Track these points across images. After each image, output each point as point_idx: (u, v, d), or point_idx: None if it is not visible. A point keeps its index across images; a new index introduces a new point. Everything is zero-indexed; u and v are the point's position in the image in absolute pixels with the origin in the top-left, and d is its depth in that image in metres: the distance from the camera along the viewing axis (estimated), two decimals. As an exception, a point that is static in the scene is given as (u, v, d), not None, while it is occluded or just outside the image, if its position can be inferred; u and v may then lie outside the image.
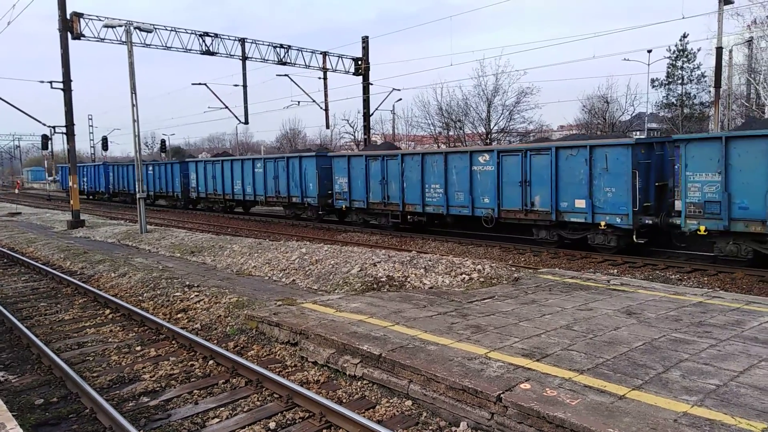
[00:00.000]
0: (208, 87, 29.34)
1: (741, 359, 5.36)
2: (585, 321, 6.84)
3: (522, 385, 4.78)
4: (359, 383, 5.70)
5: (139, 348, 7.25)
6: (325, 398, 5.24)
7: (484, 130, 40.05)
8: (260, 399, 5.56)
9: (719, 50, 22.27)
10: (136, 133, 19.08)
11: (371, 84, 31.58)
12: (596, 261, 14.80)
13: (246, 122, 29.44)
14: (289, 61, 29.21)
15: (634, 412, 4.24)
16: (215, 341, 7.32)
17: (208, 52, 26.71)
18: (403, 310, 7.50)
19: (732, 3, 23.79)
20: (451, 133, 42.88)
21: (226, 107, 29.51)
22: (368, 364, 5.77)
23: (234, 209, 31.26)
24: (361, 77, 31.52)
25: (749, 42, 35.22)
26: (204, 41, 26.54)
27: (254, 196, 27.64)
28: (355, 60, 31.37)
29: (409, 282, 9.39)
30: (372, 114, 32.57)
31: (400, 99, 58.41)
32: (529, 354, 5.61)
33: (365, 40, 31.16)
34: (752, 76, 35.04)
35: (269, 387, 5.70)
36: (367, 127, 32.32)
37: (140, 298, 9.89)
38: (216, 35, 26.91)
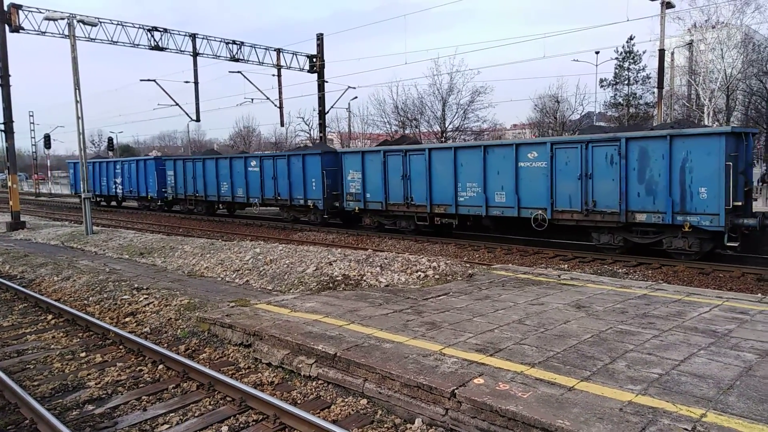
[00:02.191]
0: (157, 83, 28.53)
1: (682, 348, 5.60)
2: (537, 315, 6.99)
3: (475, 380, 4.84)
4: (314, 383, 5.65)
5: (83, 354, 6.96)
6: (280, 400, 5.17)
7: (439, 129, 40.45)
8: (212, 403, 5.43)
9: (662, 52, 23.21)
10: (81, 131, 18.33)
11: (326, 82, 31.41)
12: (548, 257, 15.16)
13: (198, 120, 28.77)
14: (242, 57, 28.71)
15: (583, 402, 4.35)
16: (165, 345, 7.11)
17: (157, 48, 25.94)
18: (358, 308, 7.48)
19: (673, 7, 24.82)
20: (407, 131, 43.10)
21: (177, 104, 28.77)
22: (323, 363, 5.72)
23: (218, 212, 28.96)
24: (316, 75, 31.29)
25: (690, 45, 36.84)
26: (153, 36, 25.76)
27: (246, 198, 25.22)
28: (310, 57, 31.11)
29: (365, 280, 9.37)
30: (328, 112, 32.41)
31: (356, 97, 58.33)
32: (482, 349, 5.69)
33: (320, 38, 30.94)
34: (692, 77, 36.65)
35: (222, 390, 5.57)
36: (322, 125, 32.12)
37: (85, 302, 9.51)
38: (165, 30, 26.16)
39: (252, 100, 31.83)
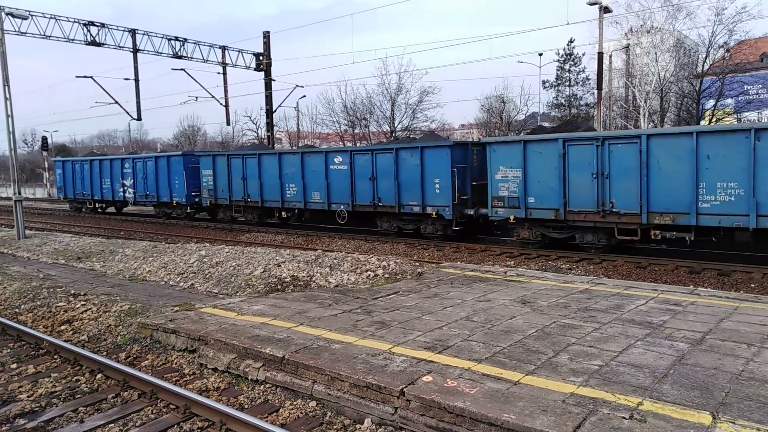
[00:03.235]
0: (95, 80, 27.34)
1: (620, 340, 5.82)
2: (484, 312, 7.11)
3: (424, 378, 4.87)
4: (262, 387, 5.55)
5: (14, 366, 6.57)
6: (226, 405, 5.04)
7: (389, 129, 40.63)
8: (155, 411, 5.24)
9: (600, 55, 24.12)
10: (11, 130, 17.34)
11: (273, 80, 30.96)
12: (495, 254, 15.49)
13: (139, 119, 27.73)
14: (185, 55, 27.88)
15: (527, 396, 4.45)
16: (104, 353, 6.81)
17: (94, 43, 24.85)
18: (307, 310, 7.40)
19: (611, 12, 25.84)
20: (356, 131, 43.10)
21: (117, 102, 27.65)
22: (271, 367, 5.62)
23: (275, 221, 23.91)
24: (262, 73, 30.78)
25: (626, 48, 38.46)
26: (89, 31, 24.66)
27: (327, 204, 20.05)
28: (257, 55, 30.57)
29: (314, 281, 9.29)
30: (275, 111, 31.95)
31: (304, 96, 57.79)
32: (431, 347, 5.73)
33: (266, 36, 30.47)
34: (629, 79, 38.27)
35: (165, 398, 5.39)
36: (270, 124, 31.65)
37: (17, 310, 8.99)
38: (103, 25, 25.09)
39: (196, 98, 30.99)
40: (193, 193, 24.97)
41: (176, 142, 68.17)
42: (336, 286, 9.05)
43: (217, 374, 5.96)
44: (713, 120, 34.72)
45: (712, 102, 34.54)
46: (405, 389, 4.65)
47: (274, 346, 5.85)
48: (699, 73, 34.24)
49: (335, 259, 10.57)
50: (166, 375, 6.00)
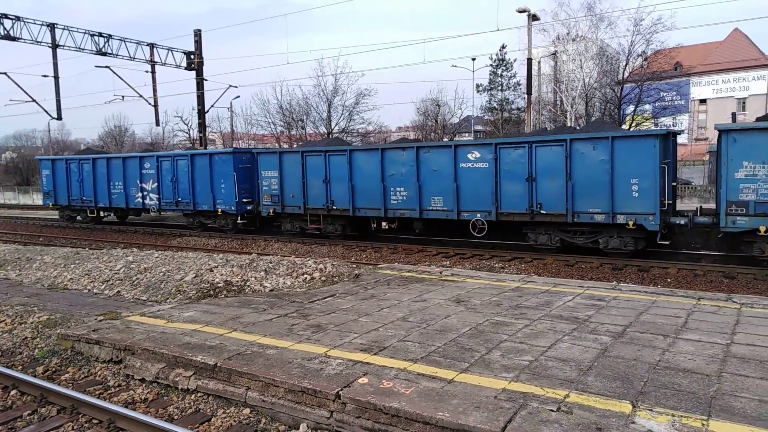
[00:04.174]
0: (9, 77, 25.59)
1: (549, 335, 6.05)
2: (420, 312, 7.19)
3: (360, 380, 4.86)
4: (193, 397, 5.35)
5: None
6: (154, 417, 4.83)
7: (325, 130, 40.41)
8: (76, 427, 4.94)
9: (529, 61, 25.01)
10: None
11: (206, 80, 30.10)
12: (431, 254, 15.72)
13: (59, 118, 26.23)
14: (110, 51, 26.63)
15: (461, 393, 4.53)
16: (19, 367, 6.37)
17: (8, 37, 23.29)
18: (241, 315, 7.22)
19: (539, 20, 26.86)
20: (293, 132, 42.59)
21: (34, 101, 26.04)
22: (203, 375, 5.44)
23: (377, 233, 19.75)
24: (194, 72, 29.86)
25: (554, 55, 40.11)
26: (2, 24, 23.06)
27: (457, 212, 15.93)
28: (188, 54, 29.62)
29: (248, 286, 9.08)
30: (208, 111, 31.06)
31: (238, 96, 56.73)
32: (367, 348, 5.73)
33: (198, 34, 29.58)
34: (557, 85, 39.93)
35: (87, 412, 5.10)
36: (202, 125, 30.73)
37: None
38: (18, 18, 23.54)
39: (123, 97, 29.61)
40: (244, 200, 20.26)
41: (101, 143, 64.92)
42: (271, 290, 8.89)
43: (144, 385, 5.70)
44: (633, 124, 36.82)
45: (632, 107, 36.63)
46: (341, 392, 4.62)
47: (206, 353, 5.67)
48: (620, 80, 36.22)
49: (270, 262, 10.38)
50: (89, 388, 5.68)
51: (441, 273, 10.03)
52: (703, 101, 58.55)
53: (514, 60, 48.51)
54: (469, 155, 15.52)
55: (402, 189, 16.74)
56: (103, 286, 9.78)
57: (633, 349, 5.54)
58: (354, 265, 11.32)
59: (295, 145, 38.58)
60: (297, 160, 18.81)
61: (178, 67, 29.54)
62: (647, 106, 38.79)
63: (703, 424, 3.89)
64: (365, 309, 7.41)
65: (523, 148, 14.67)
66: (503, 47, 47.97)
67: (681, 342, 5.73)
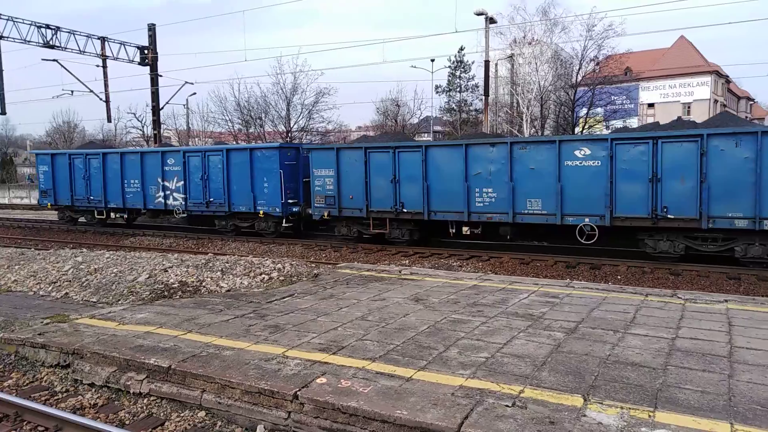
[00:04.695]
0: (-53, 68, 24.21)
1: (505, 332, 6.16)
2: (378, 311, 7.21)
3: (318, 380, 4.83)
4: (146, 401, 5.21)
5: None
6: (104, 423, 4.68)
7: (284, 129, 40.01)
8: (20, 436, 4.74)
9: (487, 63, 25.41)
10: None
11: (160, 76, 29.32)
12: (390, 253, 15.78)
13: (3, 113, 25.03)
14: (58, 44, 25.60)
15: (419, 391, 4.57)
16: (-42, 374, 6.05)
17: (-53, 26, 22.08)
18: (197, 316, 7.07)
19: (496, 23, 27.34)
20: (251, 130, 41.98)
21: (-25, 94, 24.71)
22: (156, 378, 5.30)
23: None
24: (148, 68, 29.03)
25: (511, 58, 40.89)
26: (-61, 12, 21.85)
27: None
28: (141, 49, 28.78)
29: (204, 286, 8.90)
30: (162, 108, 30.26)
31: (195, 93, 55.49)
32: (326, 348, 5.71)
33: (152, 28, 28.78)
34: (513, 87, 40.74)
35: (32, 419, 4.89)
36: (157, 122, 29.92)
37: None
38: (-43, 6, 22.34)
39: (72, 92, 28.56)
40: (290, 201, 18.03)
41: (49, 140, 62.37)
42: (228, 290, 8.74)
43: (94, 390, 5.51)
44: (586, 126, 37.94)
45: (585, 110, 37.73)
46: (298, 393, 4.59)
47: (159, 355, 5.52)
48: (573, 84, 37.24)
49: (227, 262, 10.21)
50: (34, 394, 5.45)
51: (400, 272, 10.09)
52: (651, 105, 60.89)
53: (472, 62, 49.28)
54: (576, 152, 13.71)
55: (490, 190, 14.74)
56: (50, 288, 9.40)
57: (585, 344, 5.71)
58: (313, 265, 11.26)
59: (253, 143, 38.05)
60: (359, 157, 16.48)
61: (131, 62, 28.67)
62: (599, 109, 40.06)
63: (649, 416, 4.04)
64: (324, 308, 7.38)
65: (646, 144, 12.86)
66: (461, 49, 48.64)
67: (630, 337, 5.95)
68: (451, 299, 7.83)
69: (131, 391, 5.32)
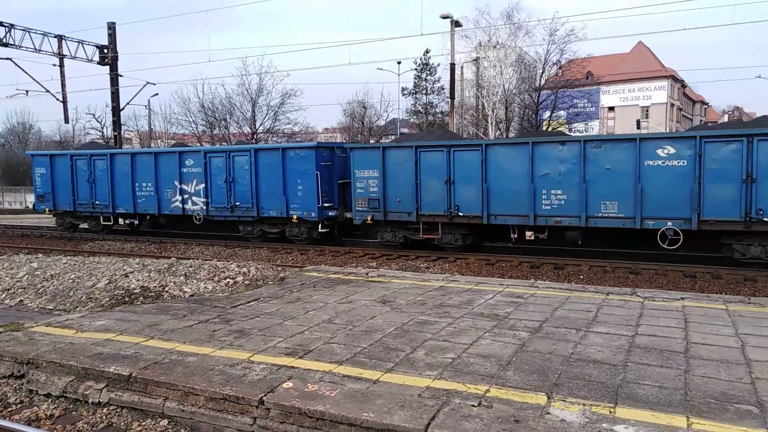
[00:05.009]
0: None
1: (471, 333, 6.23)
2: (345, 313, 7.19)
3: (284, 385, 4.78)
4: (105, 410, 5.06)
5: None
6: (61, 434, 4.52)
7: (249, 130, 39.55)
8: (-29, 450, 4.54)
9: (452, 66, 25.68)
10: None
11: (121, 75, 28.59)
12: (358, 255, 15.76)
13: (-48, 112, 23.96)
14: (12, 42, 24.67)
15: (386, 393, 4.57)
16: None
17: None
18: (159, 322, 6.91)
19: (461, 26, 27.64)
20: (215, 131, 41.35)
21: None
22: (116, 386, 5.15)
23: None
24: (108, 67, 28.27)
25: (476, 61, 41.42)
26: None
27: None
28: (101, 48, 28.01)
29: (167, 291, 8.71)
30: (123, 109, 29.51)
31: (157, 94, 54.13)
32: (292, 352, 5.66)
33: (112, 27, 28.05)
34: (479, 90, 41.27)
35: (-16, 434, 4.69)
36: (117, 123, 29.16)
37: None
38: None
39: (27, 92, 27.55)
40: (325, 204, 16.77)
41: (3, 141, 60.12)
42: (192, 295, 8.57)
43: (50, 400, 5.32)
44: (549, 129, 38.70)
45: (548, 113, 38.51)
46: (264, 398, 4.53)
47: (119, 363, 5.37)
48: (537, 87, 37.97)
49: (191, 267, 10.02)
50: (-14, 407, 5.23)
51: (367, 274, 10.08)
52: (611, 109, 62.57)
53: (438, 65, 49.68)
54: (659, 151, 12.80)
55: (559, 191, 13.78)
56: (3, 295, 9.04)
57: (548, 343, 5.81)
58: (279, 268, 11.15)
59: (218, 145, 37.42)
60: (408, 156, 15.35)
61: (90, 61, 27.86)
62: (562, 112, 40.98)
63: (610, 411, 4.14)
64: (290, 312, 7.31)
65: (739, 142, 12.08)
66: (427, 52, 48.98)
67: (591, 335, 6.08)
68: (418, 301, 7.86)
69: (90, 401, 5.16)
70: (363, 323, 6.70)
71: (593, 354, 5.44)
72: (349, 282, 9.33)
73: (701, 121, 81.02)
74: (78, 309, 8.09)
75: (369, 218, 16.01)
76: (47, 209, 21.71)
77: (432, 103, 49.92)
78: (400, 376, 4.95)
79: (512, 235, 14.75)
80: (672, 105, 65.42)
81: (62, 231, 21.98)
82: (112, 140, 30.56)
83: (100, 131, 48.77)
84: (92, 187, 20.44)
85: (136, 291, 8.55)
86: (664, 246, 12.89)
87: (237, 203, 17.85)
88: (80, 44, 27.36)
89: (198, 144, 42.24)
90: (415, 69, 49.83)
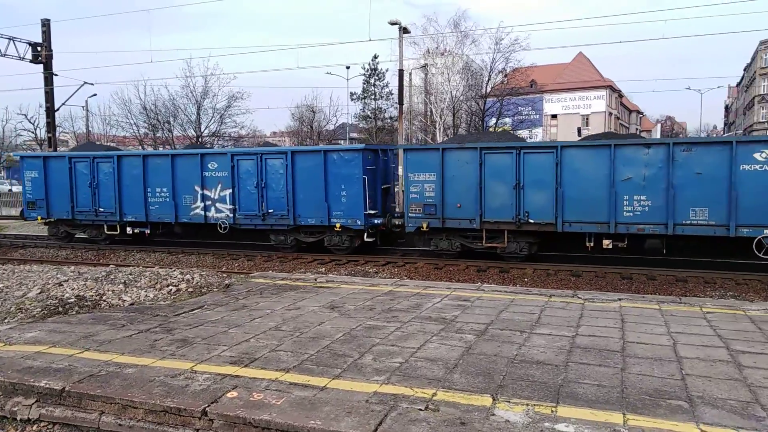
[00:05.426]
0: None
1: (419, 337, 6.27)
2: (293, 320, 7.09)
3: (229, 394, 4.66)
4: (35, 427, 4.78)
5: None
6: (-15, 455, 4.24)
7: (194, 134, 38.57)
8: None
9: (401, 72, 25.89)
10: None
11: (56, 75, 27.27)
12: (306, 261, 15.61)
13: None
14: (-66, 36, 23.13)
15: (334, 400, 4.53)
16: None
17: None
18: (96, 333, 6.60)
19: (409, 33, 27.92)
20: (158, 134, 40.07)
21: None
22: (47, 402, 4.88)
23: None
24: (41, 66, 26.92)
25: (424, 67, 41.94)
26: None
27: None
28: (34, 45, 26.65)
29: (105, 300, 8.33)
30: (58, 109, 28.16)
31: (95, 94, 52.17)
32: (237, 361, 5.52)
33: (46, 24, 26.75)
34: (427, 96, 41.79)
35: None
36: (51, 124, 27.78)
37: None
38: None
39: (-49, 89, 25.84)
40: (371, 212, 15.70)
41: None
42: (132, 304, 8.24)
43: (-26, 419, 4.98)
44: (495, 136, 39.61)
45: (494, 120, 39.42)
46: (207, 408, 4.40)
47: (51, 377, 5.09)
48: (483, 94, 38.81)
49: (131, 274, 9.64)
50: None
51: (316, 280, 9.99)
52: (554, 116, 64.78)
53: (387, 70, 50.10)
54: (756, 155, 12.18)
55: (643, 197, 13.02)
56: None
57: (494, 345, 5.92)
58: (225, 275, 10.89)
59: (161, 149, 36.26)
60: (471, 159, 14.32)
61: (22, 59, 26.44)
62: (507, 119, 42.03)
63: (552, 411, 4.25)
64: (236, 320, 7.15)
65: None
66: (375, 57, 49.31)
67: (535, 336, 6.24)
68: (366, 306, 7.85)
69: (18, 418, 4.87)
70: (311, 329, 6.63)
71: (536, 355, 5.58)
72: (297, 288, 9.22)
73: (637, 129, 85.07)
74: (6, 320, 7.61)
75: (424, 225, 14.79)
76: (39, 217, 19.32)
77: (381, 108, 50.25)
78: (348, 382, 4.92)
79: (587, 244, 13.91)
80: (610, 114, 68.37)
81: (55, 241, 19.88)
82: (47, 142, 29.11)
83: (33, 132, 46.37)
84: (95, 192, 18.42)
85: (71, 300, 8.14)
86: (760, 255, 12.35)
87: (270, 210, 16.43)
88: (11, 41, 25.94)
89: (140, 147, 40.83)
90: (364, 74, 50.06)
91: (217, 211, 17.11)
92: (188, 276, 9.63)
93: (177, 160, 17.60)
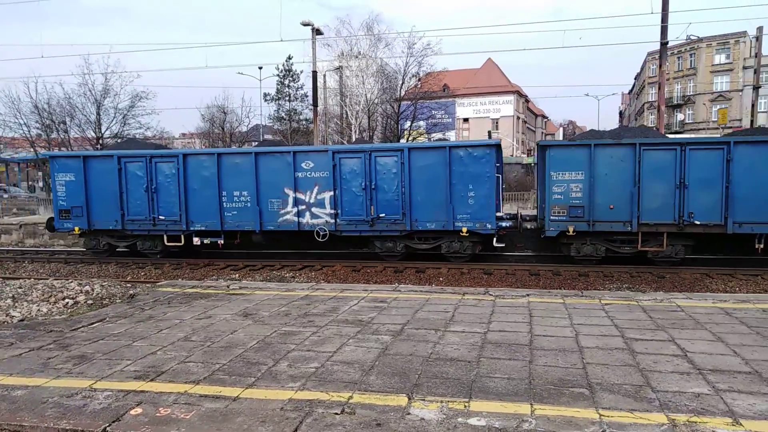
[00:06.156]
0: None
1: (335, 340, 6.22)
2: (203, 330, 6.81)
3: (132, 411, 4.38)
4: None
5: None
6: None
7: (94, 135, 36.18)
8: None
9: (315, 74, 25.74)
10: None
11: (-70, 69, 24.55)
12: (219, 267, 15.08)
13: None
14: None
15: (247, 410, 4.38)
16: None
17: None
18: (-22, 353, 5.99)
19: (322, 34, 27.81)
20: (53, 135, 37.18)
21: None
22: None
23: None
24: None
25: (339, 70, 41.94)
26: None
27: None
28: None
29: (-10, 317, 7.59)
30: (-67, 107, 25.36)
31: (-21, 92, 47.37)
32: (142, 375, 5.21)
33: None
34: (342, 98, 41.81)
35: None
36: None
37: None
38: None
39: None
40: (498, 214, 14.51)
41: None
42: (22, 320, 7.56)
43: None
44: (410, 138, 40.35)
45: (408, 123, 40.13)
46: (108, 428, 4.11)
47: (-77, 406, 4.55)
48: (397, 98, 39.42)
49: (20, 287, 8.86)
50: None
51: (228, 287, 9.67)
52: (466, 120, 67.03)
53: (301, 71, 49.54)
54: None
55: None
56: None
57: (409, 345, 6.00)
58: (129, 285, 10.28)
59: (64, 150, 33.70)
60: (625, 156, 13.25)
61: None
62: (421, 123, 42.95)
63: (465, 406, 4.36)
64: (141, 332, 6.75)
65: None
66: (290, 58, 48.66)
67: (449, 334, 6.39)
68: (282, 311, 7.69)
69: None
70: (223, 339, 6.39)
71: (450, 352, 5.71)
72: (209, 296, 8.87)
73: (542, 133, 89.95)
74: None
75: (570, 229, 13.66)
76: (77, 228, 16.39)
77: (296, 109, 49.65)
78: (262, 390, 4.78)
79: (757, 246, 13.15)
80: (518, 118, 71.82)
81: (92, 256, 16.90)
82: None
83: None
84: (153, 197, 15.83)
85: (-51, 319, 7.34)
86: None
87: (381, 215, 14.73)
88: None
89: (33, 150, 37.72)
90: (278, 75, 49.25)
91: (313, 216, 15.16)
92: (87, 287, 8.99)
93: (261, 158, 15.29)
